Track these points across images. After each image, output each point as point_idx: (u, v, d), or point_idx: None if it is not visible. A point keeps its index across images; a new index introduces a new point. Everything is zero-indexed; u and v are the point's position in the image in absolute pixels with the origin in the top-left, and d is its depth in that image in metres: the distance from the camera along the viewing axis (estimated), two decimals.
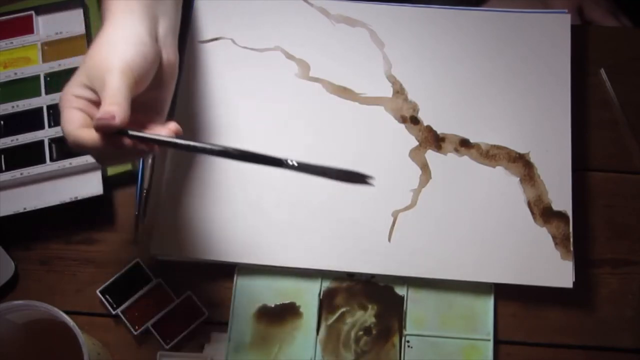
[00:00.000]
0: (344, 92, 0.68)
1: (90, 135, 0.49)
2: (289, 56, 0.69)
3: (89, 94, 0.51)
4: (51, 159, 0.65)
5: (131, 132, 0.49)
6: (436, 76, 0.68)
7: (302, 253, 0.63)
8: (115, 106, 0.48)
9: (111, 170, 0.66)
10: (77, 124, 0.50)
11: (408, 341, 0.62)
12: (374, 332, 0.62)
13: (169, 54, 0.55)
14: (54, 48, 0.70)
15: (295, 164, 0.47)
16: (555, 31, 0.69)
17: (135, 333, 0.62)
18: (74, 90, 0.51)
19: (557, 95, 0.67)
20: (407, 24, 0.70)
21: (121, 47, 0.51)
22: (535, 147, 0.66)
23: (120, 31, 0.52)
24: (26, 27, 0.70)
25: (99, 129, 0.48)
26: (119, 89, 0.49)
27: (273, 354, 0.62)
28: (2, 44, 0.70)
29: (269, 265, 0.63)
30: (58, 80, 0.68)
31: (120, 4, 0.54)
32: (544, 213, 0.64)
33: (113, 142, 0.49)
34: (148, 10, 0.55)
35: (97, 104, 0.50)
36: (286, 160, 0.47)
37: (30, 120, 0.67)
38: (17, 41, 0.70)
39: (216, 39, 0.70)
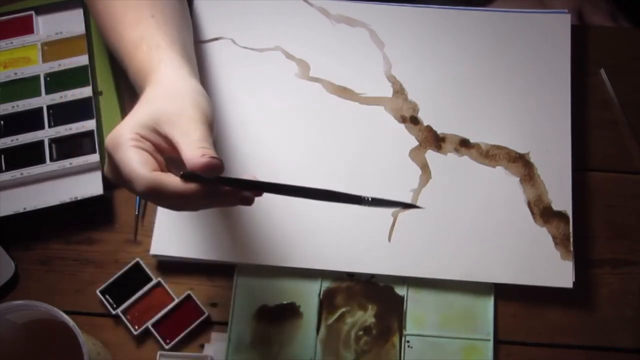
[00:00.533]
0: (344, 92, 0.68)
1: (175, 181, 0.46)
2: (289, 56, 0.69)
3: (156, 138, 0.48)
4: (51, 159, 0.65)
5: (226, 177, 0.47)
6: (436, 76, 0.68)
7: (302, 253, 0.63)
8: (209, 150, 0.47)
9: None
10: (151, 166, 0.47)
11: (408, 341, 0.62)
12: (374, 332, 0.62)
13: None
14: (54, 48, 0.70)
15: (370, 199, 0.49)
16: (555, 31, 0.69)
17: (135, 333, 0.62)
18: (139, 130, 0.48)
19: (557, 95, 0.67)
20: (407, 24, 0.70)
21: (197, 98, 0.51)
22: (535, 147, 0.66)
23: (188, 82, 0.52)
24: (26, 27, 0.70)
25: (205, 170, 0.46)
26: (206, 138, 0.48)
27: (273, 354, 0.62)
28: (2, 44, 0.70)
29: (269, 265, 0.63)
30: (58, 80, 0.68)
31: (175, 58, 0.54)
32: (544, 213, 0.64)
33: (208, 189, 0.47)
34: (195, 70, 0.56)
35: (161, 150, 0.49)
36: (363, 198, 0.49)
37: (30, 120, 0.67)
38: (17, 41, 0.70)
39: (216, 39, 0.70)
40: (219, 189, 0.48)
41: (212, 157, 0.46)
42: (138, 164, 0.46)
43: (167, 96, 0.50)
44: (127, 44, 0.56)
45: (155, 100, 0.50)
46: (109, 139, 0.48)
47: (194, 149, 0.47)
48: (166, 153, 0.49)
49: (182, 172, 0.47)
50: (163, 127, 0.48)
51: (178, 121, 0.48)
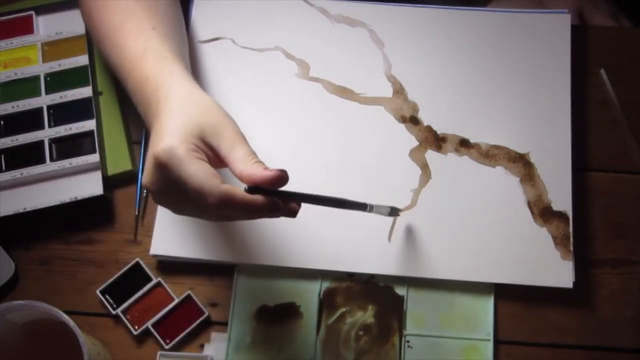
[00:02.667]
0: (344, 92, 0.68)
1: (244, 193, 0.47)
2: (289, 56, 0.69)
3: (206, 149, 0.49)
4: (51, 159, 0.65)
5: (285, 191, 0.48)
6: (436, 76, 0.68)
7: (302, 253, 0.63)
8: (264, 164, 0.48)
9: (111, 170, 0.66)
10: (218, 178, 0.47)
11: (408, 341, 0.62)
12: (374, 332, 0.62)
13: None
14: (54, 48, 0.70)
15: (372, 206, 0.56)
16: (555, 31, 0.69)
17: (135, 333, 0.62)
18: (193, 141, 0.48)
19: (557, 95, 0.67)
20: (407, 24, 0.70)
21: (226, 112, 0.51)
22: (535, 147, 0.66)
23: (208, 96, 0.52)
24: (26, 27, 0.71)
25: (275, 181, 0.47)
26: (253, 151, 0.49)
27: (273, 354, 0.62)
28: (2, 44, 0.70)
29: (269, 265, 0.63)
30: (58, 80, 0.68)
31: (183, 71, 0.54)
32: (544, 213, 0.64)
33: (273, 201, 0.47)
34: None
35: (209, 160, 0.49)
36: (368, 206, 0.56)
37: (30, 120, 0.67)
38: (17, 41, 0.70)
39: (216, 39, 0.70)
40: (277, 200, 0.48)
41: (280, 170, 0.47)
42: (209, 177, 0.47)
43: (202, 109, 0.50)
44: (130, 54, 0.56)
45: (192, 112, 0.50)
46: (161, 153, 0.47)
47: (250, 163, 0.48)
48: (211, 163, 0.49)
49: (247, 187, 0.47)
50: (209, 139, 0.49)
51: (223, 133, 0.49)
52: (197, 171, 0.46)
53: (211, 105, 0.51)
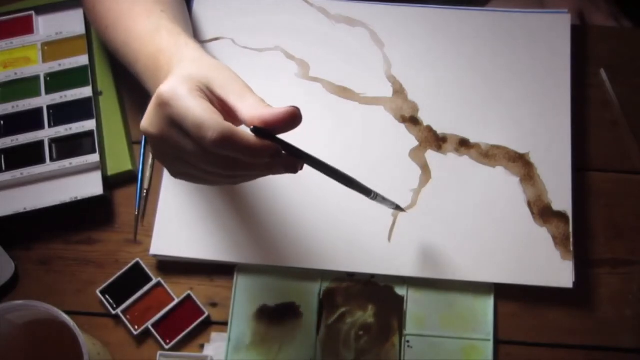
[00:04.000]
0: (344, 92, 0.68)
1: (249, 134, 0.45)
2: (289, 56, 0.69)
3: (213, 98, 0.48)
4: (51, 159, 0.65)
5: (287, 142, 0.47)
6: (436, 76, 0.68)
7: (302, 253, 0.63)
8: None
9: (111, 170, 0.66)
10: (221, 117, 0.45)
11: (408, 341, 0.62)
12: (374, 332, 0.62)
13: None
14: (54, 48, 0.70)
15: (376, 195, 0.55)
16: (555, 31, 0.69)
17: (135, 333, 0.62)
18: (199, 85, 0.47)
19: (557, 95, 0.67)
20: (407, 24, 0.70)
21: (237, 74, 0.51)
22: (535, 147, 0.66)
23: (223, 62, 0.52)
24: (26, 27, 0.71)
25: (291, 117, 0.46)
26: (264, 101, 0.48)
27: (273, 354, 0.62)
28: (2, 44, 0.70)
29: (269, 265, 0.63)
30: (58, 80, 0.68)
31: (198, 45, 0.54)
32: (544, 213, 0.64)
33: (277, 147, 0.46)
34: None
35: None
36: (373, 193, 0.55)
37: (30, 120, 0.67)
38: (17, 41, 0.70)
39: (216, 39, 0.70)
40: (280, 149, 0.47)
41: (292, 106, 0.46)
42: (210, 112, 0.45)
43: (213, 66, 0.50)
44: (141, 33, 0.56)
45: (201, 67, 0.49)
46: (163, 92, 0.46)
47: (260, 108, 0.46)
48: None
49: (252, 127, 0.45)
50: (217, 90, 0.48)
51: (231, 86, 0.48)
52: (198, 105, 0.45)
53: (222, 66, 0.51)
